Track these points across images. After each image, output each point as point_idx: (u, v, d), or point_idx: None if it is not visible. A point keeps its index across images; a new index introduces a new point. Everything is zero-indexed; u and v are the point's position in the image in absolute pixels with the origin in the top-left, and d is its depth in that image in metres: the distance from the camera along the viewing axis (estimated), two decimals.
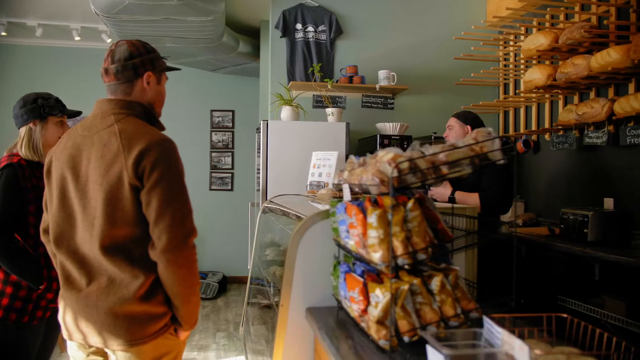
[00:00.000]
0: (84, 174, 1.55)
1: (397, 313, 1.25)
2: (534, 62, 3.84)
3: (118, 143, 1.51)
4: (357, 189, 1.53)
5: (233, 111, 6.85)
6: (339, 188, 1.74)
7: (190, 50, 5.41)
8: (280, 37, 4.43)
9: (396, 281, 1.28)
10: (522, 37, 4.05)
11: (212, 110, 6.81)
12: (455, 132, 3.15)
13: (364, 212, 1.37)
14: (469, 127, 3.13)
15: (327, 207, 2.04)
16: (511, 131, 4.33)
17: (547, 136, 3.85)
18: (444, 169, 1.29)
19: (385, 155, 1.31)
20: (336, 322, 1.65)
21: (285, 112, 3.83)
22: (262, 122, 3.71)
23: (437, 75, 4.56)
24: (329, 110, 3.86)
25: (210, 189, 6.80)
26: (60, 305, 1.63)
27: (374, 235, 1.28)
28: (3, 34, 5.77)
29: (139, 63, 1.64)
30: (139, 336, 1.52)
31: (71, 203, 1.58)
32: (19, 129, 2.22)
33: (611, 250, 2.74)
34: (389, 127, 3.82)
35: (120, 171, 1.49)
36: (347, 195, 1.57)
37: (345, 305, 1.55)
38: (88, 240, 1.54)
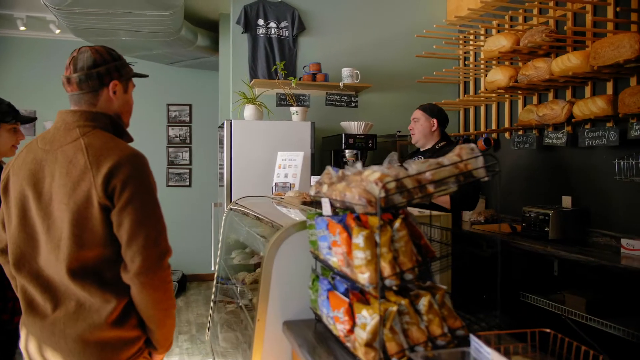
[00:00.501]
0: (47, 192, 1.44)
1: (385, 335, 1.24)
2: (494, 62, 3.91)
3: (85, 159, 1.41)
4: (337, 205, 1.50)
5: (190, 105, 6.69)
6: (316, 200, 1.71)
7: (146, 43, 5.23)
8: (242, 33, 4.33)
9: (384, 302, 1.27)
10: (482, 37, 4.11)
11: (168, 105, 6.62)
12: (421, 124, 3.15)
13: (348, 230, 1.35)
14: (435, 120, 3.14)
15: (302, 217, 2.00)
16: (471, 129, 4.41)
17: (507, 135, 3.94)
18: (430, 188, 1.28)
19: (372, 175, 1.28)
20: (316, 337, 1.63)
21: (249, 110, 3.76)
22: (225, 121, 3.62)
23: (400, 73, 4.58)
24: (293, 109, 3.81)
25: (168, 185, 6.63)
26: (22, 333, 1.53)
27: (360, 256, 1.26)
28: None
29: (104, 71, 1.54)
30: None
31: (33, 223, 1.47)
32: None
33: (571, 248, 2.84)
34: (354, 126, 3.81)
35: (89, 190, 1.39)
36: (327, 210, 1.55)
37: (327, 322, 1.53)
38: (53, 263, 1.44)
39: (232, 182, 3.58)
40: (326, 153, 4.14)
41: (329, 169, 1.75)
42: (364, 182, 1.30)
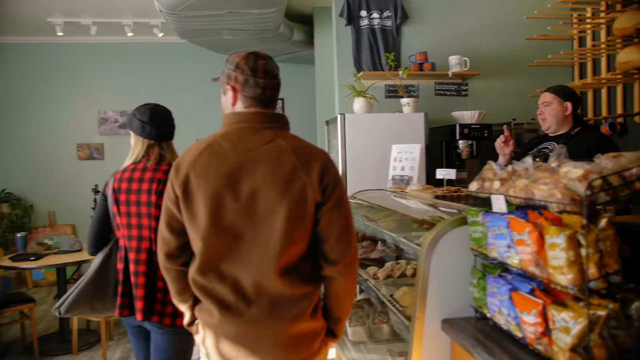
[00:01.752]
0: (248, 191, 1.48)
1: (593, 340, 1.18)
2: (618, 41, 3.63)
3: (292, 159, 1.49)
4: (518, 202, 1.44)
5: (282, 99, 6.79)
6: (478, 195, 1.65)
7: (247, 41, 5.35)
8: (345, 26, 4.32)
9: (586, 305, 1.20)
10: (601, 14, 3.85)
11: None
12: (553, 109, 2.89)
13: (538, 229, 1.30)
14: (568, 103, 2.86)
15: (449, 213, 1.96)
16: (590, 114, 4.15)
17: (637, 119, 3.67)
18: (639, 184, 1.19)
19: (572, 172, 1.22)
20: (485, 336, 1.58)
21: (359, 103, 3.74)
22: (339, 115, 3.63)
23: (508, 58, 4.39)
24: (404, 100, 3.75)
25: None
26: (210, 333, 1.57)
27: (561, 256, 1.20)
28: (60, 34, 5.81)
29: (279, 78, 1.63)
30: (309, 353, 1.54)
31: (231, 223, 1.49)
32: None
33: None
34: (467, 116, 3.70)
35: (303, 188, 1.48)
36: (501, 207, 1.49)
37: (505, 323, 1.48)
38: (257, 260, 1.48)
39: (347, 176, 3.59)
40: (435, 144, 4.05)
41: (492, 164, 1.69)
42: (563, 179, 1.23)
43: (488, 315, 1.59)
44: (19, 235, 4.44)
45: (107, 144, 6.54)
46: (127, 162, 2.25)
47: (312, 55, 5.84)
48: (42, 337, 4.36)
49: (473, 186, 1.70)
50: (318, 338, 1.59)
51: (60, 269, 4.35)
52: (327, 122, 4.13)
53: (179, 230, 1.57)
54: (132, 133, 2.28)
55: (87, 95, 6.51)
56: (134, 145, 2.27)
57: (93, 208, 5.58)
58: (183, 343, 2.21)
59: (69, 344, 4.19)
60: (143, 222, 2.12)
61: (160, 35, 5.98)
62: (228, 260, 1.51)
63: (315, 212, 1.51)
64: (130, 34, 5.95)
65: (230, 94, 1.59)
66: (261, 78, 1.56)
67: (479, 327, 1.66)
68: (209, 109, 6.27)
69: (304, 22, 5.83)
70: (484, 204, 1.64)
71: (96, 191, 5.59)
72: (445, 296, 1.78)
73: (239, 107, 1.60)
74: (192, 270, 1.56)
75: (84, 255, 4.29)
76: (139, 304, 2.09)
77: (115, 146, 6.53)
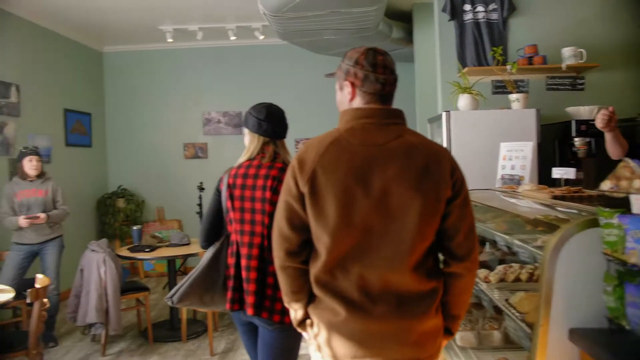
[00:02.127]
0: (379, 187, 1.47)
1: None
2: None
3: (423, 155, 1.49)
4: None
5: None
6: (616, 196, 1.53)
7: (346, 40, 5.37)
8: (449, 21, 4.19)
9: None
10: None
11: None
12: None
13: None
14: None
15: (577, 214, 1.83)
16: None
17: None
18: None
19: None
20: (623, 349, 1.45)
21: (464, 100, 3.62)
22: (444, 113, 3.53)
23: (629, 47, 4.04)
24: (513, 96, 3.58)
25: None
26: (333, 332, 1.54)
27: None
28: (170, 40, 6.18)
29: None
30: (433, 351, 1.53)
31: (363, 219, 1.48)
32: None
33: None
34: (584, 112, 3.45)
35: (437, 184, 1.48)
36: None
37: None
38: (389, 256, 1.47)
39: None
40: (547, 142, 3.82)
41: (628, 161, 1.56)
42: None
43: (627, 327, 1.45)
44: (135, 228, 4.77)
45: (210, 143, 6.87)
46: (242, 158, 2.31)
47: (410, 52, 5.75)
48: (154, 324, 4.66)
49: (606, 185, 1.58)
50: (440, 335, 1.58)
51: (171, 261, 4.62)
52: (430, 120, 4.03)
53: (300, 227, 1.55)
54: (246, 130, 2.35)
55: (192, 98, 6.87)
56: (249, 142, 2.33)
57: (198, 204, 5.88)
58: (291, 340, 2.21)
59: (179, 332, 4.44)
60: (256, 218, 2.18)
61: (261, 37, 6.16)
62: (355, 256, 1.50)
63: (445, 207, 1.51)
64: (233, 38, 6.20)
65: (348, 89, 1.58)
66: (381, 74, 1.54)
67: (615, 340, 1.53)
68: (307, 109, 6.39)
69: (403, 19, 5.75)
70: (620, 204, 1.51)
71: (201, 188, 5.88)
72: (572, 303, 1.66)
73: (358, 103, 1.58)
74: (317, 268, 1.54)
75: (192, 249, 4.52)
76: (249, 299, 2.14)
77: (218, 145, 6.84)
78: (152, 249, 4.46)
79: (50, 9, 5.31)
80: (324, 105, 6.66)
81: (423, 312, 1.51)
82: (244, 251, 2.18)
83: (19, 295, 3.43)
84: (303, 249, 1.58)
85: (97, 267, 4.05)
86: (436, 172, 1.48)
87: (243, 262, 2.17)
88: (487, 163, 3.37)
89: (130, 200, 6.62)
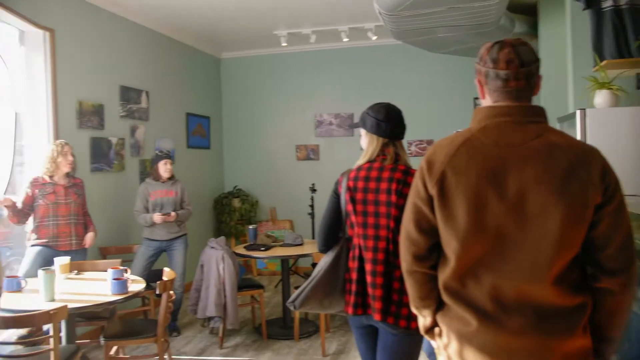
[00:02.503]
0: (515, 190, 1.36)
1: None
2: None
3: (568, 156, 1.35)
4: None
5: None
6: None
7: (463, 37, 5.14)
8: (583, 10, 3.83)
9: None
10: None
11: (475, 99, 6.46)
12: None
13: None
14: None
15: None
16: None
17: None
18: None
19: None
20: None
21: (602, 97, 3.28)
22: (578, 111, 3.23)
23: None
24: None
25: None
26: (464, 342, 1.45)
27: None
28: (284, 44, 6.33)
29: (538, 64, 1.46)
30: None
31: (495, 224, 1.37)
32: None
33: None
34: None
35: (583, 188, 1.33)
36: None
37: None
38: (526, 266, 1.35)
39: None
40: None
41: None
42: None
43: None
44: (250, 227, 4.92)
45: (322, 145, 6.93)
46: (361, 160, 2.26)
47: (536, 48, 5.37)
48: (267, 321, 4.76)
49: None
50: (589, 359, 1.41)
51: (284, 260, 4.70)
52: (560, 119, 3.71)
53: (429, 231, 1.49)
54: (364, 132, 2.30)
55: (305, 100, 6.98)
56: (367, 144, 2.27)
57: (310, 205, 5.96)
58: (414, 345, 2.17)
59: (291, 330, 4.50)
60: (381, 222, 2.12)
61: (374, 38, 6.11)
62: (487, 264, 1.39)
63: (593, 214, 1.35)
64: (345, 40, 6.21)
65: (478, 87, 1.52)
66: (503, 69, 1.42)
67: None
68: (420, 110, 6.22)
69: (527, 12, 5.39)
70: None
71: (313, 190, 5.95)
72: None
73: (488, 101, 1.50)
74: (445, 274, 1.47)
75: (305, 249, 4.56)
76: (377, 304, 2.09)
77: (329, 147, 6.89)
78: (267, 248, 4.56)
79: (175, 20, 5.66)
80: (438, 105, 6.49)
81: (567, 330, 1.35)
82: (368, 256, 2.13)
83: (148, 286, 3.66)
84: (431, 253, 1.52)
85: (216, 263, 4.23)
86: (583, 174, 1.33)
87: (368, 267, 2.13)
88: (630, 166, 3.03)
89: (245, 200, 6.87)
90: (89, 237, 3.92)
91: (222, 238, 4.47)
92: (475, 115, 1.51)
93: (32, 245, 3.69)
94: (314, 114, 6.95)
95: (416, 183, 1.52)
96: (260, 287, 4.63)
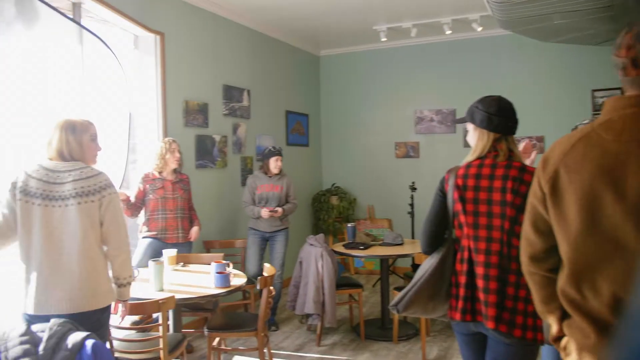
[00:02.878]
0: (636, 191, 1.19)
1: None
2: None
3: None
4: None
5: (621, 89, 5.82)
6: None
7: (580, 23, 4.70)
8: None
9: None
10: None
11: (593, 90, 5.91)
12: None
13: None
14: None
15: None
16: None
17: None
18: None
19: None
20: None
21: None
22: None
23: None
24: None
25: None
26: (586, 356, 1.30)
27: None
28: (383, 39, 6.20)
29: None
30: None
31: (611, 228, 1.22)
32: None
33: None
34: None
35: None
36: None
37: None
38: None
39: None
40: None
41: None
42: None
43: None
44: (349, 225, 4.86)
45: (422, 142, 6.71)
46: (470, 157, 2.11)
47: None
48: (365, 321, 4.67)
49: None
50: None
51: (384, 260, 4.58)
52: None
53: (545, 232, 1.40)
54: (472, 126, 2.14)
55: (404, 96, 6.80)
56: (476, 139, 2.12)
57: (410, 204, 5.78)
58: (528, 356, 2.00)
59: (389, 332, 4.38)
60: (494, 223, 1.96)
61: (479, 29, 5.79)
62: (604, 271, 1.23)
63: None
64: (448, 32, 5.95)
65: (633, 72, 1.29)
66: (622, 56, 1.24)
67: None
68: (530, 104, 5.80)
69: None
70: None
71: (413, 188, 5.77)
72: None
73: (628, 90, 1.30)
74: (562, 279, 1.35)
75: (404, 250, 4.42)
76: (489, 311, 1.93)
77: (430, 144, 6.65)
78: (366, 246, 4.47)
79: (276, 19, 5.74)
80: (550, 99, 6.02)
81: None
82: (480, 259, 1.98)
83: (248, 280, 3.72)
84: (549, 256, 1.41)
85: (315, 260, 4.21)
86: None
87: (479, 271, 1.97)
88: None
89: (343, 198, 6.83)
90: (194, 231, 4.07)
91: (321, 235, 4.45)
92: (603, 107, 1.35)
93: (143, 237, 3.89)
94: (414, 110, 6.75)
95: (533, 181, 1.43)
96: (359, 286, 4.56)
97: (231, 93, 5.37)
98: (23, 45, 3.03)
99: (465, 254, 2.04)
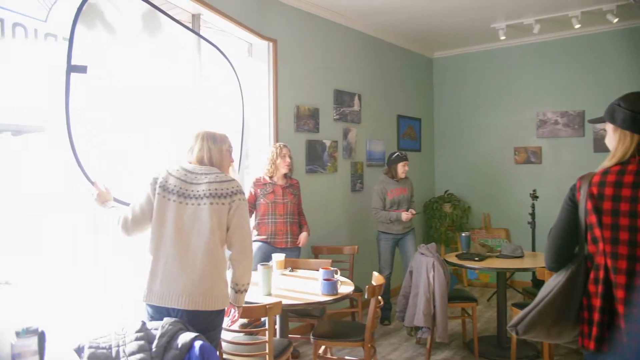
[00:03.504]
0: None
1: None
2: None
3: None
4: None
5: None
6: None
7: None
8: None
9: None
10: None
11: None
12: None
13: None
14: None
15: None
16: None
17: None
18: None
19: None
20: None
21: None
22: None
23: None
24: None
25: None
26: None
27: None
28: (502, 37, 5.82)
29: None
30: None
31: None
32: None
33: None
34: None
35: None
36: None
37: None
38: None
39: None
40: None
41: None
42: None
43: None
44: (463, 234, 4.59)
45: (545, 147, 6.19)
46: (609, 162, 1.83)
47: None
48: (480, 338, 4.37)
49: None
50: None
51: (501, 273, 4.26)
52: None
53: None
54: (612, 127, 1.86)
55: (525, 98, 6.33)
56: (616, 142, 1.83)
57: (531, 214, 5.34)
58: None
59: (507, 352, 4.05)
60: (638, 239, 1.68)
61: (615, 21, 5.21)
62: None
63: None
64: (577, 26, 5.43)
65: None
66: None
67: None
68: None
69: None
70: None
71: (534, 196, 5.33)
72: None
73: None
74: None
75: (524, 263, 4.09)
76: (633, 343, 1.65)
77: (554, 149, 6.11)
78: (482, 258, 4.18)
79: (387, 22, 5.62)
80: None
81: None
82: (620, 280, 1.70)
83: (356, 288, 3.62)
84: None
85: (426, 270, 4.01)
86: None
87: (620, 294, 1.69)
88: None
89: (457, 206, 6.52)
90: (303, 237, 4.07)
91: (433, 245, 4.24)
92: None
93: (254, 241, 3.96)
94: (535, 113, 6.25)
95: None
96: (472, 299, 4.27)
97: (342, 98, 5.34)
98: (149, 54, 3.22)
99: (601, 274, 1.77)
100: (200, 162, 2.52)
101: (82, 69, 2.59)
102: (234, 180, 2.51)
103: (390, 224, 4.88)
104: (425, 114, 6.91)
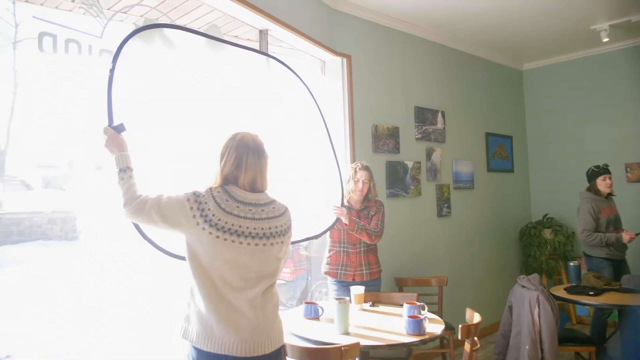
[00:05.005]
0: None
1: None
2: None
3: None
4: None
5: None
6: None
7: None
8: None
9: None
10: None
11: None
12: None
13: None
14: None
15: None
16: None
17: None
18: None
19: None
20: None
21: None
22: None
23: None
24: None
25: None
26: None
27: None
28: (605, 40, 5.16)
29: None
30: None
31: None
32: None
33: None
34: None
35: None
36: None
37: None
38: None
39: None
40: None
41: None
42: None
43: None
44: (572, 264, 3.97)
45: None
46: None
47: None
48: None
49: None
50: None
51: (622, 311, 3.58)
52: None
53: None
54: None
55: (633, 107, 5.56)
56: None
57: None
58: None
59: None
60: None
61: None
62: None
63: None
64: None
65: None
66: None
67: None
68: None
69: None
70: None
71: None
72: None
73: None
74: None
75: None
76: None
77: None
78: (598, 292, 3.53)
79: (469, 33, 5.17)
80: None
81: None
82: None
83: (447, 325, 3.13)
84: None
85: (530, 306, 3.43)
86: None
87: None
88: None
89: (559, 232, 5.79)
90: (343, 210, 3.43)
91: (536, 276, 3.64)
92: None
93: (325, 272, 3.58)
94: None
95: None
96: (590, 342, 3.61)
97: (424, 115, 4.92)
98: (216, 70, 3.01)
99: None
100: (252, 188, 2.08)
101: (120, 128, 2.11)
102: (285, 208, 2.18)
103: (606, 247, 4.20)
104: (517, 131, 6.29)
